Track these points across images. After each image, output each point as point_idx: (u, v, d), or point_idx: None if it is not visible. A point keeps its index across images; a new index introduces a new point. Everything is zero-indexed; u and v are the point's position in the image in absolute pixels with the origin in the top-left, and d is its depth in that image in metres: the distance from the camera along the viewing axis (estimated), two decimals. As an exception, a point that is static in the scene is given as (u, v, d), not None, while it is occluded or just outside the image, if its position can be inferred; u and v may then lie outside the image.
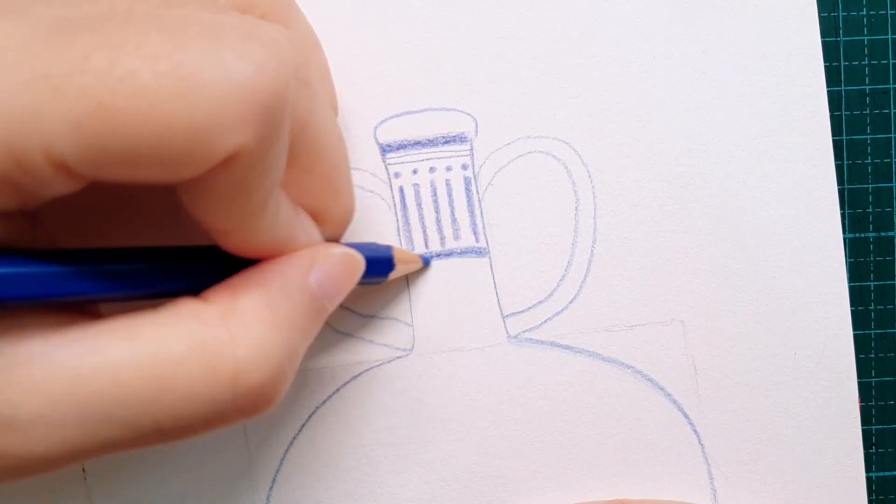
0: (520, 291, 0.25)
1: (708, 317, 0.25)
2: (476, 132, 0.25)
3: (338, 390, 0.25)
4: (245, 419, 0.17)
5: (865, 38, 0.26)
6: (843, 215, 0.26)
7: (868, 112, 0.26)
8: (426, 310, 0.25)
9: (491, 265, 0.25)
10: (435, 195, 0.25)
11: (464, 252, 0.25)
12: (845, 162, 0.26)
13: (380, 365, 0.25)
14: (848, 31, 0.26)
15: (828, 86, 0.25)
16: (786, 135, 0.25)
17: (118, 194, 0.20)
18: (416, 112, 0.25)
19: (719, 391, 0.25)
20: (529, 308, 0.25)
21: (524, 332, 0.25)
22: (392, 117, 0.25)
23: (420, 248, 0.25)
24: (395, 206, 0.25)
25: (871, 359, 0.26)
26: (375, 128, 0.25)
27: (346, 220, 0.21)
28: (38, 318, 0.16)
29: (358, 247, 0.21)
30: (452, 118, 0.25)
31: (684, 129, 0.25)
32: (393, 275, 0.23)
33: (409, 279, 0.25)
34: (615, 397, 0.25)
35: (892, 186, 0.26)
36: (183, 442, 0.17)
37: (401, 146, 0.25)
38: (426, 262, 0.25)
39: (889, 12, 0.26)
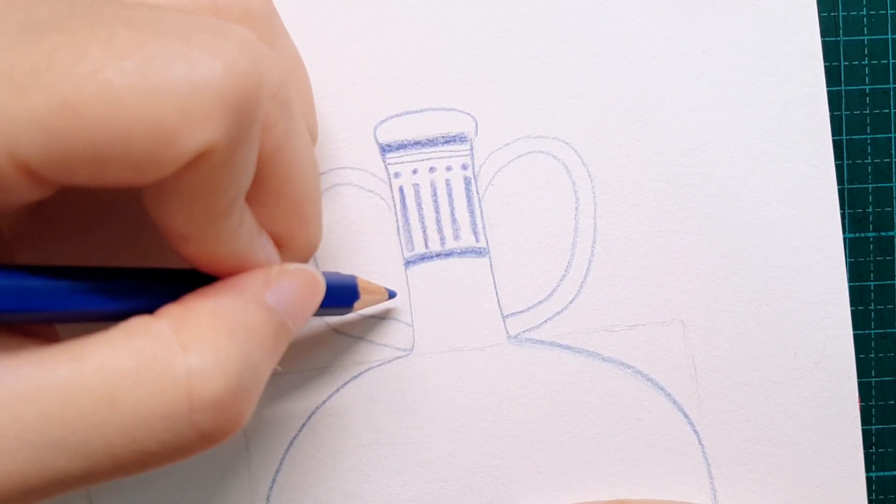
0: (520, 291, 0.25)
1: (708, 317, 0.25)
2: (476, 132, 0.25)
3: (338, 390, 0.25)
4: (205, 443, 0.16)
5: (865, 38, 0.26)
6: (843, 215, 0.26)
7: (868, 112, 0.26)
8: (426, 310, 0.25)
9: (491, 265, 0.25)
10: (435, 195, 0.25)
11: (464, 252, 0.25)
12: (845, 162, 0.26)
13: (380, 365, 0.25)
14: (848, 31, 0.26)
15: (828, 86, 0.25)
16: (786, 135, 0.25)
17: (79, 210, 0.20)
18: (416, 112, 0.25)
19: (719, 391, 0.25)
20: (529, 308, 0.25)
21: (524, 332, 0.25)
22: (392, 117, 0.25)
23: (420, 248, 0.25)
24: (395, 206, 0.25)
25: (871, 359, 0.26)
26: (375, 128, 0.25)
27: (310, 250, 0.20)
28: None
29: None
30: (452, 118, 0.25)
31: (684, 129, 0.25)
32: (358, 305, 0.23)
33: (409, 279, 0.25)
34: (615, 397, 0.25)
35: (892, 186, 0.26)
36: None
37: (401, 146, 0.25)
38: (391, 296, 0.24)
39: (889, 12, 0.26)
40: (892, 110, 0.26)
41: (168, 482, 0.25)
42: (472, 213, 0.25)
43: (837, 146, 0.26)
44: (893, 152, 0.26)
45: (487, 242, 0.25)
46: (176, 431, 0.15)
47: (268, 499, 0.25)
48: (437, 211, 0.25)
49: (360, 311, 0.24)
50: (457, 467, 0.25)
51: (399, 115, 0.25)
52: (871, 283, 0.26)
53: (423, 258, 0.25)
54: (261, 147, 0.16)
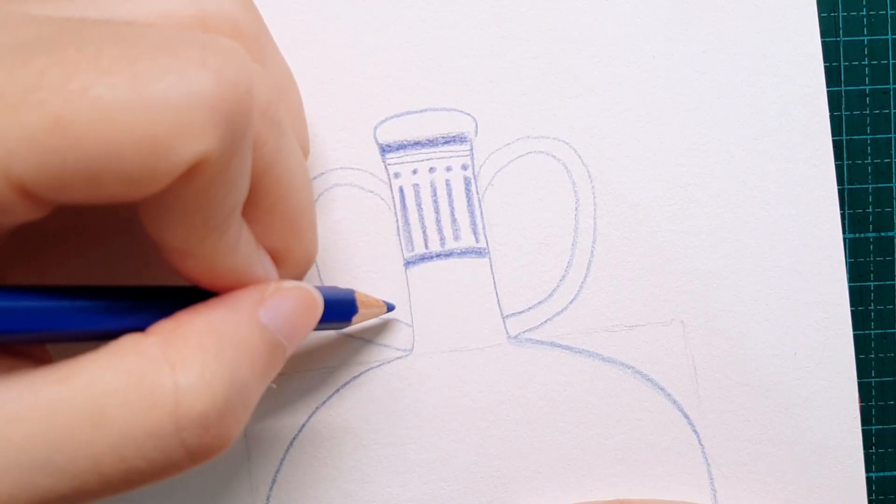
0: (520, 291, 0.25)
1: (708, 317, 0.25)
2: (476, 132, 0.25)
3: (338, 390, 0.25)
4: (193, 461, 0.16)
5: (865, 38, 0.26)
6: (843, 215, 0.26)
7: (868, 112, 0.26)
8: (426, 310, 0.25)
9: (491, 265, 0.25)
10: (435, 195, 0.25)
11: (464, 252, 0.25)
12: (845, 162, 0.26)
13: (380, 365, 0.25)
14: (848, 31, 0.26)
15: (828, 86, 0.25)
16: (786, 135, 0.25)
17: (72, 230, 0.20)
18: (416, 112, 0.25)
19: (719, 391, 0.25)
20: (529, 308, 0.25)
21: (524, 332, 0.25)
22: (392, 117, 0.25)
23: (420, 249, 0.25)
24: (394, 206, 0.25)
25: (871, 359, 0.26)
26: (375, 128, 0.25)
27: (306, 264, 0.20)
28: None
29: (318, 289, 0.20)
30: (452, 118, 0.25)
31: (684, 129, 0.25)
32: (357, 319, 0.23)
33: (409, 280, 0.25)
34: (615, 397, 0.25)
35: (892, 186, 0.26)
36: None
37: (401, 146, 0.25)
38: (390, 309, 0.24)
39: (889, 12, 0.26)
40: (892, 110, 0.26)
41: (168, 482, 0.25)
42: (472, 213, 0.25)
43: (837, 146, 0.26)
44: (893, 152, 0.26)
45: (487, 242, 0.25)
46: (163, 449, 0.15)
47: (268, 499, 0.25)
48: (436, 211, 0.25)
49: (359, 324, 0.24)
50: (457, 467, 0.25)
51: (399, 115, 0.25)
52: (871, 284, 0.26)
53: (422, 258, 0.25)
54: (253, 164, 0.16)
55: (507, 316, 0.25)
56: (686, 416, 0.25)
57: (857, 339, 0.26)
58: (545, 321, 0.25)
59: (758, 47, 0.25)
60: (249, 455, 0.25)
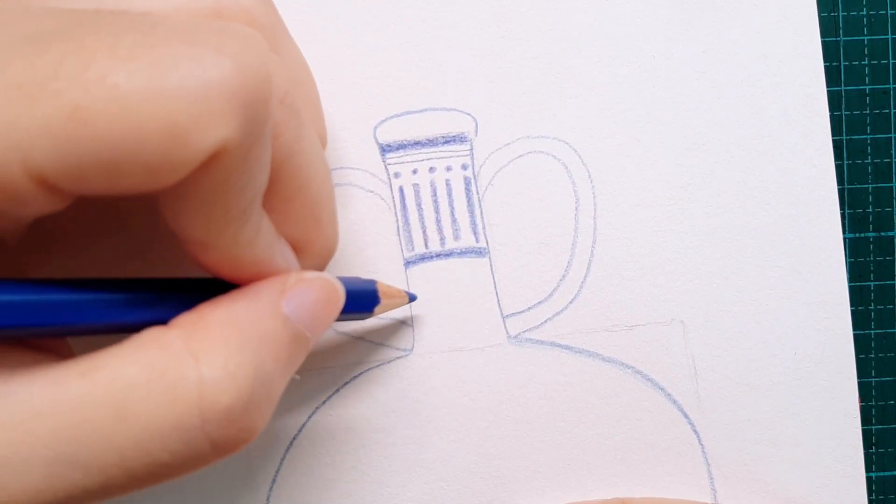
0: (520, 291, 0.25)
1: (708, 317, 0.25)
2: (476, 132, 0.25)
3: (338, 390, 0.25)
4: (219, 454, 0.16)
5: (865, 38, 0.26)
6: (843, 215, 0.26)
7: (868, 112, 0.26)
8: (426, 310, 0.25)
9: (491, 265, 0.25)
10: (435, 195, 0.25)
11: (464, 252, 0.25)
12: (845, 162, 0.26)
13: (380, 365, 0.25)
14: (848, 31, 0.26)
15: (828, 86, 0.25)
16: (786, 135, 0.25)
17: (92, 223, 0.20)
18: (416, 112, 0.25)
19: (719, 391, 0.25)
20: (529, 308, 0.25)
21: (524, 332, 0.25)
22: (392, 117, 0.25)
23: (420, 249, 0.25)
24: (394, 206, 0.25)
25: (871, 359, 0.26)
26: (375, 128, 0.25)
27: (328, 254, 0.20)
28: (1, 357, 0.15)
29: (340, 280, 0.20)
30: (452, 118, 0.25)
31: (684, 129, 0.25)
32: (378, 309, 0.23)
33: (409, 280, 0.25)
34: (615, 397, 0.25)
35: (892, 186, 0.26)
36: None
37: (401, 146, 0.25)
38: (412, 299, 0.24)
39: (889, 12, 0.26)
40: (892, 110, 0.26)
41: (168, 482, 0.25)
42: (472, 213, 0.25)
43: (837, 146, 0.26)
44: (893, 152, 0.26)
45: (487, 242, 0.25)
46: (188, 442, 0.15)
47: (268, 499, 0.25)
48: (437, 211, 0.25)
49: (380, 315, 0.24)
50: (457, 467, 0.25)
51: (399, 115, 0.25)
52: (871, 283, 0.26)
53: (423, 258, 0.25)
54: (272, 153, 0.16)
55: (507, 316, 0.25)
56: (686, 416, 0.25)
57: (857, 339, 0.26)
58: (545, 321, 0.25)
59: (758, 47, 0.25)
60: (249, 455, 0.25)
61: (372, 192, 0.25)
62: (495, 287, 0.25)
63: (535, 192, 0.25)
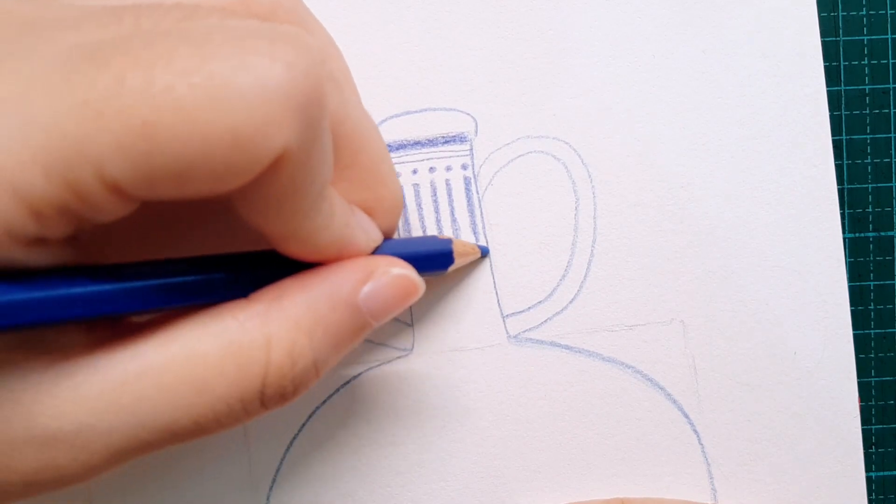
0: (520, 291, 0.25)
1: (708, 317, 0.25)
2: (476, 132, 0.25)
3: (338, 390, 0.25)
4: (261, 414, 0.18)
5: (865, 38, 0.26)
6: (843, 215, 0.26)
7: (868, 112, 0.26)
8: (426, 310, 0.25)
9: (491, 265, 0.25)
10: (435, 195, 0.25)
11: (464, 252, 0.25)
12: (845, 162, 0.26)
13: (380, 365, 0.25)
14: (848, 31, 0.26)
15: (828, 86, 0.25)
16: (786, 135, 0.25)
17: (166, 219, 0.21)
18: (416, 112, 0.25)
19: (719, 391, 0.25)
20: (529, 308, 0.25)
21: (524, 332, 0.25)
22: (392, 117, 0.25)
23: (420, 248, 0.25)
24: (395, 206, 0.25)
25: (871, 359, 0.26)
26: (375, 128, 0.25)
27: (397, 208, 0.21)
28: (81, 330, 0.17)
29: (418, 242, 0.21)
30: (452, 118, 0.25)
31: (684, 128, 0.25)
32: (452, 268, 0.23)
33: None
34: (615, 397, 0.25)
35: (892, 186, 0.26)
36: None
37: (400, 146, 0.25)
38: (485, 253, 0.25)
39: (889, 12, 0.26)
40: (892, 110, 0.26)
41: (168, 482, 0.25)
42: (472, 213, 0.25)
43: (837, 146, 0.26)
44: (893, 152, 0.26)
45: (487, 242, 0.25)
46: (247, 410, 0.17)
47: (268, 499, 0.25)
48: (436, 211, 0.25)
49: (452, 270, 0.24)
50: (457, 467, 0.25)
51: (399, 115, 0.25)
52: (871, 283, 0.26)
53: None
54: None
55: (507, 316, 0.25)
56: (686, 416, 0.25)
57: (857, 338, 0.26)
58: (545, 321, 0.25)
59: (758, 47, 0.25)
60: (249, 455, 0.25)
61: (372, 192, 0.25)
62: (495, 287, 0.25)
63: (534, 192, 0.25)
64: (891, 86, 0.26)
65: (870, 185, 0.26)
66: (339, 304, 0.18)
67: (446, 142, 0.25)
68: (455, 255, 0.23)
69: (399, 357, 0.25)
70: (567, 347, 0.25)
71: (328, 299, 0.18)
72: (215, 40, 0.14)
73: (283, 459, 0.25)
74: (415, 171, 0.25)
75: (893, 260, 0.26)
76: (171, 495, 0.25)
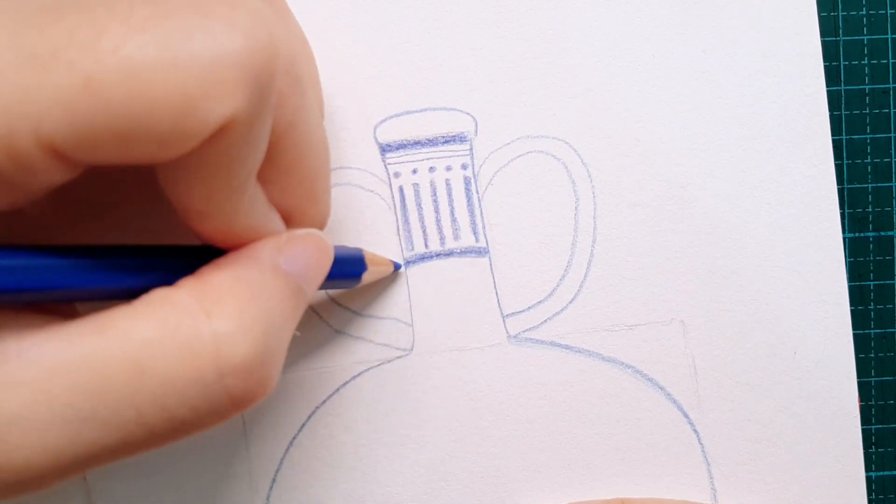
0: (520, 291, 0.25)
1: (708, 317, 0.25)
2: (476, 132, 0.25)
3: (338, 390, 0.25)
4: (237, 407, 0.16)
5: (865, 37, 0.26)
6: (842, 215, 0.26)
7: (868, 112, 0.26)
8: (426, 310, 0.25)
9: (491, 265, 0.25)
10: (435, 195, 0.25)
11: (464, 252, 0.25)
12: (845, 162, 0.26)
13: (380, 365, 0.25)
14: (848, 31, 0.26)
15: (828, 85, 0.25)
16: (786, 135, 0.25)
17: (99, 192, 0.20)
18: (415, 112, 0.25)
19: (719, 391, 0.25)
20: (529, 308, 0.25)
21: (524, 331, 0.25)
22: (392, 117, 0.25)
23: (420, 248, 0.25)
24: (394, 205, 0.25)
25: (871, 358, 0.26)
26: (375, 127, 0.25)
27: (320, 227, 0.21)
28: (11, 318, 0.15)
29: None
30: (452, 118, 0.25)
31: (684, 128, 0.25)
32: (367, 277, 0.23)
33: (408, 279, 0.25)
34: (615, 397, 0.25)
35: (891, 186, 0.26)
36: (184, 441, 0.17)
37: (400, 146, 0.25)
38: (397, 268, 0.25)
39: (889, 12, 0.26)
40: (892, 110, 0.26)
41: (168, 482, 0.25)
42: (471, 212, 0.25)
43: (837, 146, 0.26)
44: (893, 152, 0.26)
45: (487, 242, 0.25)
46: (207, 397, 0.15)
47: (268, 499, 0.25)
48: (436, 211, 0.25)
49: (366, 282, 0.24)
50: (457, 467, 0.25)
51: (399, 115, 0.25)
52: (871, 283, 0.26)
53: (422, 258, 0.25)
54: (274, 123, 0.17)
55: (507, 315, 0.25)
56: (686, 416, 0.25)
57: (857, 338, 0.26)
58: (545, 321, 0.25)
59: (758, 47, 0.25)
60: (249, 455, 0.25)
61: (372, 191, 0.25)
62: (495, 287, 0.25)
63: (535, 192, 0.25)
64: (891, 86, 0.26)
65: (870, 185, 0.26)
66: (266, 273, 0.17)
67: (446, 142, 0.25)
68: (368, 262, 0.23)
69: (399, 357, 0.25)
70: (567, 347, 0.25)
71: (252, 270, 0.17)
72: (174, 2, 0.14)
73: (283, 459, 0.25)
74: (415, 171, 0.25)
75: (893, 260, 0.26)
76: (171, 495, 0.25)
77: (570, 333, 0.25)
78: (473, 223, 0.25)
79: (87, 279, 0.16)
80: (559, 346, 0.25)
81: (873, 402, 0.26)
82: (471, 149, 0.25)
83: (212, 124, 0.14)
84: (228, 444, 0.25)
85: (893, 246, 0.26)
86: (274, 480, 0.25)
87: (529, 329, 0.25)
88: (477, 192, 0.25)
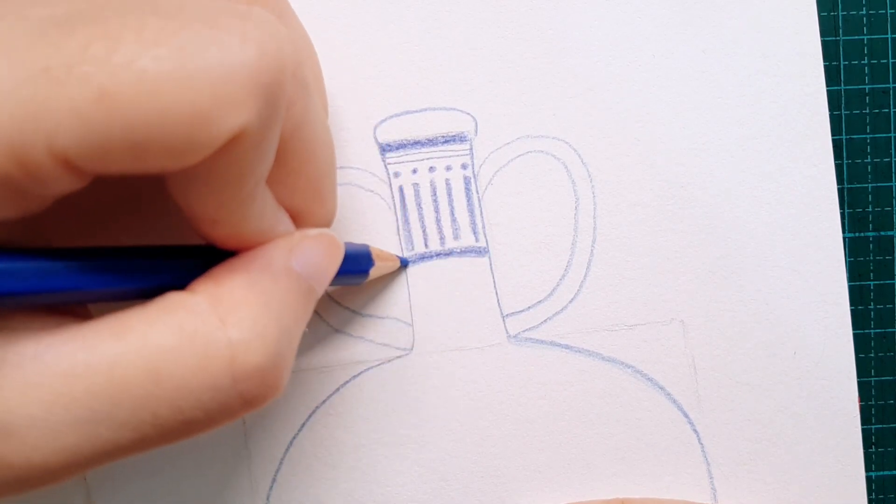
0: (520, 291, 0.25)
1: (708, 317, 0.25)
2: (476, 132, 0.25)
3: (338, 390, 0.25)
4: (249, 408, 0.17)
5: (865, 37, 0.26)
6: (842, 215, 0.26)
7: (868, 111, 0.26)
8: (426, 310, 0.25)
9: (491, 265, 0.25)
10: (435, 195, 0.25)
11: (464, 252, 0.25)
12: (845, 161, 0.26)
13: (380, 365, 0.25)
14: (847, 31, 0.26)
15: (827, 85, 0.25)
16: (786, 134, 0.25)
17: (110, 198, 0.20)
18: (415, 112, 0.25)
19: (719, 391, 0.25)
20: (529, 308, 0.25)
21: (524, 331, 0.25)
22: (392, 117, 0.25)
23: (420, 248, 0.25)
24: (394, 205, 0.25)
25: (871, 358, 0.26)
26: (375, 127, 0.25)
27: (326, 225, 0.21)
28: (27, 321, 0.16)
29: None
30: (452, 118, 0.25)
31: (684, 128, 0.25)
32: (374, 272, 0.23)
33: (409, 279, 0.25)
34: (615, 397, 0.25)
35: (891, 186, 0.26)
36: (184, 441, 0.17)
37: (400, 146, 0.25)
38: (404, 264, 0.25)
39: (889, 12, 0.26)
40: (892, 110, 0.26)
41: (168, 482, 0.25)
42: (471, 212, 0.25)
43: (837, 146, 0.26)
44: (893, 152, 0.26)
45: (487, 242, 0.25)
46: (221, 401, 0.16)
47: (268, 499, 0.25)
48: (436, 210, 0.25)
49: (373, 277, 0.24)
50: (457, 467, 0.25)
51: (399, 115, 0.25)
52: (871, 283, 0.26)
53: (423, 258, 0.25)
54: (282, 127, 0.17)
55: (506, 315, 0.25)
56: (686, 416, 0.25)
57: (857, 338, 0.26)
58: (545, 320, 0.25)
59: (758, 47, 0.25)
60: (250, 455, 0.25)
61: (372, 191, 0.25)
62: (495, 286, 0.25)
63: (534, 192, 0.25)
64: (891, 85, 0.26)
65: (870, 185, 0.26)
66: (278, 274, 0.17)
67: (446, 141, 0.25)
68: (374, 258, 0.23)
69: (399, 357, 0.25)
70: (567, 347, 0.25)
71: (265, 273, 0.17)
72: (186, 16, 0.14)
73: (283, 459, 0.25)
74: (415, 171, 0.25)
75: (893, 260, 0.26)
76: (171, 495, 0.25)
77: (570, 333, 0.25)
78: (473, 223, 0.25)
79: (101, 281, 0.16)
80: (559, 345, 0.25)
81: (873, 402, 0.26)
82: (471, 149, 0.25)
83: (224, 136, 0.14)
84: (228, 444, 0.25)
85: (893, 246, 0.26)
86: (274, 480, 0.25)
87: (529, 329, 0.25)
88: (477, 192, 0.25)
